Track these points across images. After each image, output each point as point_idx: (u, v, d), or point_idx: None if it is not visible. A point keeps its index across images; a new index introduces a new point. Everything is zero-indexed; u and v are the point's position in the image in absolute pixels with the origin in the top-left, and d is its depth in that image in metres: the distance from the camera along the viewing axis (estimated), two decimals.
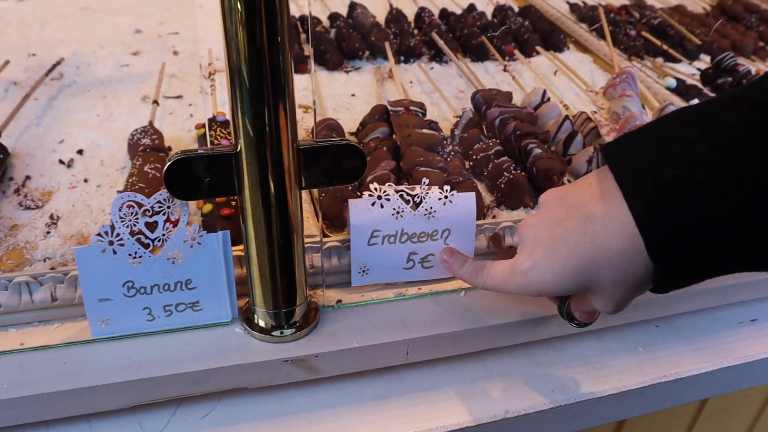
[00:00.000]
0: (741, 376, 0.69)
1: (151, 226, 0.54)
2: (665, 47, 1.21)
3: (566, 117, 0.85)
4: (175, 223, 0.54)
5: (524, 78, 1.07)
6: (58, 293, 0.57)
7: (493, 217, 0.72)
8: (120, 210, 0.53)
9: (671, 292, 0.47)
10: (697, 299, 0.69)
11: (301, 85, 1.01)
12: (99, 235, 0.53)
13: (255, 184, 0.52)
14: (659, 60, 1.19)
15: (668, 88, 1.04)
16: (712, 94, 1.04)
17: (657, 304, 0.67)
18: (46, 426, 0.56)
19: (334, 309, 0.61)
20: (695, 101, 0.98)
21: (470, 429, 0.59)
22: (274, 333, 0.57)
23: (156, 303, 0.57)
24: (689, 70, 1.15)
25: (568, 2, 1.44)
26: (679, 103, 0.98)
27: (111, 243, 0.53)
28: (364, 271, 0.62)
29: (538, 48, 1.18)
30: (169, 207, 0.53)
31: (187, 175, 0.51)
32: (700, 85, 1.08)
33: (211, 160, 0.51)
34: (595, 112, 0.87)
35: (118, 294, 0.55)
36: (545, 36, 1.21)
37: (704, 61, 1.19)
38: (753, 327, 0.71)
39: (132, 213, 0.53)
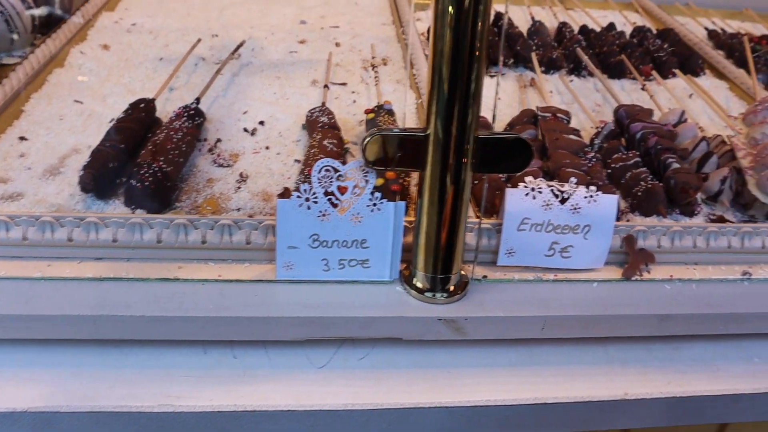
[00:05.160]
0: None
1: (342, 190, 0.64)
2: None
3: (703, 137, 0.89)
4: (361, 190, 0.64)
5: (659, 98, 1.11)
6: (251, 238, 0.68)
7: (627, 220, 0.78)
8: (319, 172, 0.63)
9: None
10: None
11: None
12: (298, 191, 0.63)
13: (437, 163, 0.61)
14: None
15: None
16: None
17: None
18: (231, 345, 0.67)
19: (480, 282, 0.69)
20: None
21: (592, 404, 0.66)
22: (429, 294, 0.66)
23: (333, 256, 0.66)
24: None
25: (706, 28, 1.46)
26: None
27: (307, 199, 0.63)
28: (510, 253, 0.70)
29: (675, 71, 1.22)
30: (360, 174, 0.63)
31: (382, 148, 0.61)
32: None
33: (404, 138, 0.61)
34: (732, 136, 0.91)
35: (304, 244, 0.65)
36: (683, 59, 1.25)
37: None
38: None
39: (328, 176, 0.63)
